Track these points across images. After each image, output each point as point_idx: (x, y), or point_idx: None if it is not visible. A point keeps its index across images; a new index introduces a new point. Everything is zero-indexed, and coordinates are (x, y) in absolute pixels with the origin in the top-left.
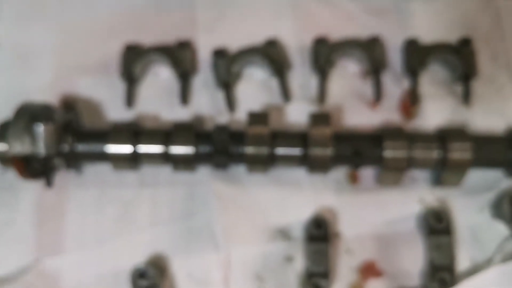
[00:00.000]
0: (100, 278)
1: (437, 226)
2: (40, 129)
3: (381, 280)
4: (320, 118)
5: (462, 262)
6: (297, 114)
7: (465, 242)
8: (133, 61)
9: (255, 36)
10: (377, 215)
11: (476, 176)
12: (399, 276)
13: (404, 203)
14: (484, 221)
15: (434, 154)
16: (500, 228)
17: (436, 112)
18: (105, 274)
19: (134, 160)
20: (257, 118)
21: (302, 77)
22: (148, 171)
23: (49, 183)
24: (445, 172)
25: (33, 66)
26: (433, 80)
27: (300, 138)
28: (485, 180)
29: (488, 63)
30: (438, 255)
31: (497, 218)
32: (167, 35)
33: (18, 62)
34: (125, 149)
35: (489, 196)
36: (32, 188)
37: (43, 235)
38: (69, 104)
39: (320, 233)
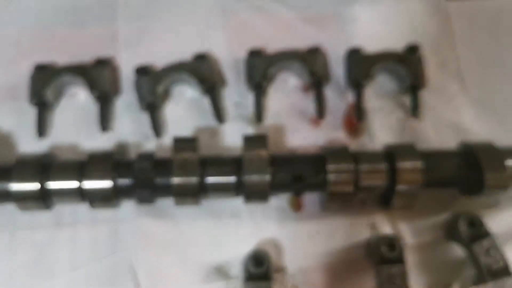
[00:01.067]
0: None
1: (389, 254)
2: None
3: None
4: (256, 141)
5: None
6: (233, 136)
7: (419, 268)
8: (45, 84)
9: (184, 50)
10: (324, 245)
11: (429, 196)
12: None
13: (353, 230)
14: (440, 245)
15: (383, 176)
16: (456, 250)
17: (384, 127)
18: None
19: (43, 199)
20: (184, 143)
21: (237, 95)
22: (64, 209)
23: None
24: (395, 194)
25: None
26: (379, 93)
27: (234, 164)
28: (438, 200)
29: (437, 72)
30: (391, 287)
31: (452, 240)
32: (85, 53)
33: None
34: (32, 186)
35: (444, 217)
36: None
37: None
38: None
39: (261, 272)
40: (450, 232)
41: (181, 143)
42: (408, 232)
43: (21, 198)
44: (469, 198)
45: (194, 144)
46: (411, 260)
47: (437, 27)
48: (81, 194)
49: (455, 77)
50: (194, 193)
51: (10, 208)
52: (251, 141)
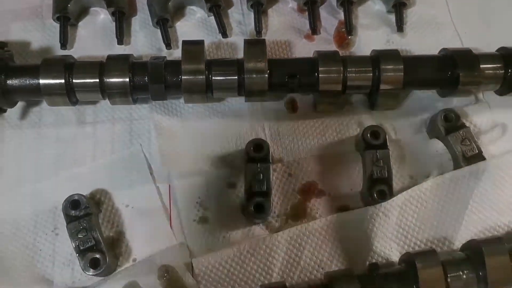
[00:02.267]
0: (38, 214)
1: (374, 142)
2: None
3: (323, 199)
4: (255, 44)
5: (402, 178)
6: (235, 48)
7: (404, 161)
8: (67, 1)
9: None
10: (316, 140)
11: (412, 100)
12: (341, 196)
13: (342, 128)
14: (422, 141)
15: (368, 75)
16: (437, 146)
17: (371, 41)
18: (43, 210)
19: (68, 94)
20: (192, 45)
21: (239, 15)
22: (86, 109)
23: None
24: (380, 94)
25: None
26: (368, 12)
27: (236, 64)
28: (420, 103)
29: None
30: (377, 168)
31: (433, 137)
32: None
33: None
34: (58, 81)
35: (425, 117)
36: None
37: None
38: (3, 44)
39: (260, 155)
40: (431, 129)
41: (189, 45)
42: (391, 130)
43: (49, 93)
44: (447, 98)
45: (201, 46)
46: (394, 153)
47: None
48: (101, 90)
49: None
50: (201, 90)
51: (37, 108)
52: (251, 44)
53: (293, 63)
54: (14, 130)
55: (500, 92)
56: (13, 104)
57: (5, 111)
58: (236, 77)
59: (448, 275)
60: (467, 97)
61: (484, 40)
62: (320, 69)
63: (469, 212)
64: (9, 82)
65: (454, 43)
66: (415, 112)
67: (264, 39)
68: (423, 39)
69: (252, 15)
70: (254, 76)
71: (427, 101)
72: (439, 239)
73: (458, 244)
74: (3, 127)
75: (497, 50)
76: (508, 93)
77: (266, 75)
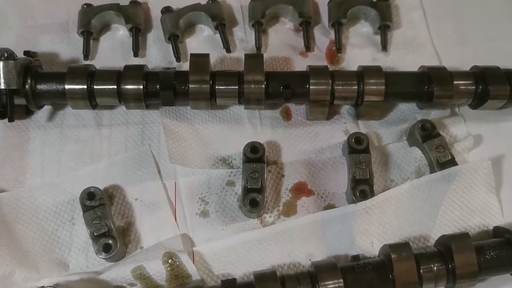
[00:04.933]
0: (57, 205)
1: (357, 147)
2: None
3: (312, 198)
4: (254, 58)
5: (383, 181)
6: (237, 62)
7: (386, 165)
8: (90, 17)
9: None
10: (308, 145)
11: (394, 111)
12: (328, 195)
13: (331, 135)
14: (402, 148)
15: (353, 87)
16: (416, 153)
17: (358, 59)
18: (62, 201)
19: (90, 98)
20: (199, 58)
21: (242, 33)
22: (103, 113)
23: (11, 118)
24: (364, 104)
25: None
26: (356, 33)
27: (237, 77)
28: (401, 114)
29: (405, 15)
30: (359, 170)
31: (412, 145)
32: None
33: None
34: (81, 87)
35: (405, 127)
36: None
37: (6, 171)
38: (30, 54)
39: (256, 156)
40: (410, 137)
41: (196, 57)
42: (375, 138)
43: (73, 97)
44: (425, 110)
45: (207, 59)
46: (377, 159)
47: None
48: (118, 96)
49: (420, 20)
50: (205, 98)
51: (61, 112)
52: (250, 58)
53: (287, 75)
54: (40, 130)
55: (473, 106)
56: (40, 107)
57: (32, 113)
58: (237, 87)
59: (421, 267)
60: (444, 110)
61: (460, 59)
62: (310, 81)
63: (442, 212)
64: (38, 86)
65: (433, 61)
66: (396, 122)
67: (262, 54)
68: (405, 57)
69: (253, 33)
70: (253, 86)
71: (407, 112)
72: (415, 236)
73: (432, 241)
74: (30, 127)
75: (471, 68)
76: (480, 106)
77: (263, 86)
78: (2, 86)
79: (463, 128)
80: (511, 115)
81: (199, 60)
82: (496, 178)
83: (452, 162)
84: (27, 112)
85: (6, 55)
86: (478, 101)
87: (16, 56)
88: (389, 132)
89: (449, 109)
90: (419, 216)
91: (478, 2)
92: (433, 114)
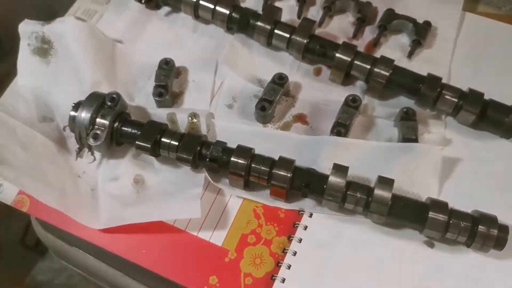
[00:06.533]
0: (146, 63)
1: (351, 103)
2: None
3: (305, 127)
4: (308, 21)
5: (359, 138)
6: None
7: (368, 130)
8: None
9: None
10: (321, 94)
11: (396, 100)
12: (317, 130)
13: (341, 94)
14: (386, 125)
15: (367, 66)
16: (394, 131)
17: (391, 51)
18: (151, 62)
19: (195, 8)
20: (273, 8)
21: (315, 13)
22: (202, 25)
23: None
24: (370, 83)
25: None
26: (395, 39)
27: (291, 28)
28: (399, 103)
29: (438, 41)
30: (343, 116)
31: (395, 126)
32: None
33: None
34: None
35: (397, 112)
36: None
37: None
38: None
39: (280, 82)
40: (395, 120)
41: (271, 7)
42: (371, 109)
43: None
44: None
45: (279, 10)
46: (362, 122)
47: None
48: (212, 13)
49: (447, 52)
50: (265, 36)
51: (176, 13)
52: (305, 20)
53: (325, 41)
54: (158, 20)
55: (452, 115)
56: (165, 4)
57: (160, 7)
58: (288, 35)
59: (348, 192)
60: (431, 112)
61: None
62: (338, 50)
63: (390, 172)
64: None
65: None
66: (394, 107)
67: (314, 21)
68: (421, 69)
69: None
70: (297, 39)
71: (404, 104)
72: (363, 177)
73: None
74: (155, 17)
75: (467, 89)
76: (455, 116)
77: (305, 41)
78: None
79: (441, 130)
80: (484, 137)
81: (273, 9)
82: (445, 171)
83: (413, 140)
84: (157, 7)
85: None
86: (456, 111)
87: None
88: (384, 110)
89: (435, 112)
90: (372, 167)
91: (502, 62)
92: (423, 114)
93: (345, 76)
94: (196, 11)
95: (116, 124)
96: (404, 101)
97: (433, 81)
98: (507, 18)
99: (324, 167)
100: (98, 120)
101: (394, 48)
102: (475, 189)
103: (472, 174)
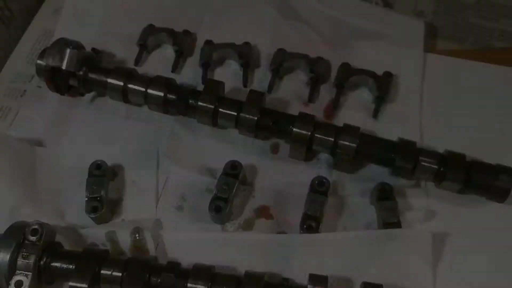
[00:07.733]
0: (76, 167)
1: (318, 188)
2: (67, 51)
3: (270, 222)
4: (256, 94)
5: (335, 227)
6: None
7: (342, 214)
8: (147, 35)
9: (240, 39)
10: (283, 177)
11: (365, 171)
12: (284, 223)
13: (306, 174)
14: (361, 203)
15: (330, 139)
16: (373, 212)
17: (350, 119)
18: (81, 166)
19: (124, 93)
20: (215, 83)
21: (262, 76)
22: (134, 109)
23: (63, 93)
24: (336, 156)
25: (83, 29)
26: (356, 97)
27: (238, 105)
28: (372, 176)
29: (402, 94)
30: (312, 207)
31: (372, 203)
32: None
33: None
34: (118, 84)
35: (371, 187)
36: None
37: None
38: (95, 51)
39: (233, 173)
40: (371, 197)
41: (212, 82)
42: (340, 187)
43: (111, 90)
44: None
45: (221, 85)
46: (334, 204)
47: (413, 68)
48: (144, 96)
49: (414, 103)
50: (209, 116)
51: (102, 99)
52: (253, 93)
53: (279, 114)
54: (84, 108)
55: (435, 184)
56: (89, 91)
57: (83, 95)
58: (235, 114)
59: None
60: (409, 180)
61: (442, 143)
62: (295, 124)
63: (374, 267)
64: (89, 75)
65: (415, 137)
66: (366, 180)
67: (263, 92)
68: (391, 128)
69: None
70: (247, 116)
71: (378, 175)
72: (345, 278)
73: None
74: (79, 105)
75: (445, 151)
76: (440, 185)
77: (256, 118)
78: (64, 67)
79: (423, 201)
80: (471, 202)
81: (214, 84)
82: (436, 253)
83: (396, 225)
84: (81, 94)
85: (75, 45)
86: (438, 180)
87: (84, 48)
88: (356, 187)
89: (414, 181)
90: (354, 263)
91: (475, 106)
92: (400, 182)
93: (307, 150)
94: (125, 97)
95: (44, 261)
96: (377, 171)
97: (407, 148)
98: (474, 53)
99: (298, 272)
100: (20, 262)
101: (356, 108)
102: (471, 268)
103: (467, 249)
